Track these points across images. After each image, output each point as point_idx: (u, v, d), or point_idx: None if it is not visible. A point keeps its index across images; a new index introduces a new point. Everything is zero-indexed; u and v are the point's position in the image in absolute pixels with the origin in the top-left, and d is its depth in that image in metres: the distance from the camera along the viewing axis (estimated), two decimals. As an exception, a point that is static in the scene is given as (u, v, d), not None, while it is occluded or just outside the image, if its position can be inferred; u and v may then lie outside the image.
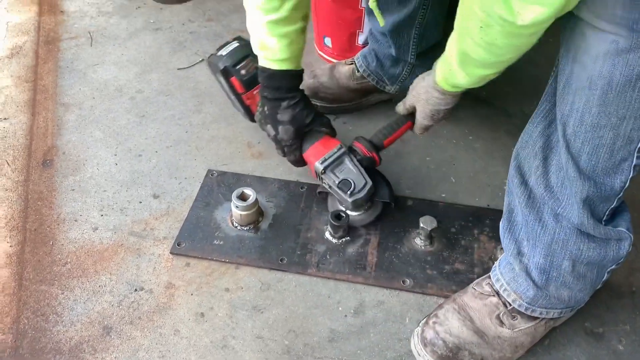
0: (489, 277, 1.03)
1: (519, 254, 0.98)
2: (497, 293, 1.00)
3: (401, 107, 1.16)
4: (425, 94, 1.07)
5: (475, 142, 1.43)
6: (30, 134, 1.42)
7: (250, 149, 1.40)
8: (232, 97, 1.31)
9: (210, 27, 1.80)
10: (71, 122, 1.46)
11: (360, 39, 1.55)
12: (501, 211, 1.04)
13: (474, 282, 1.04)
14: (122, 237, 1.20)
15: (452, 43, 0.91)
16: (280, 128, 1.18)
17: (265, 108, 1.18)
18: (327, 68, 1.50)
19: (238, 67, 1.26)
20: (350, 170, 1.17)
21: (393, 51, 1.36)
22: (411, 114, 1.16)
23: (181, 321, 1.07)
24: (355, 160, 1.18)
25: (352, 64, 1.47)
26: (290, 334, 1.05)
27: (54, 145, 1.39)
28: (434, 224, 1.15)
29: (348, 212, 1.20)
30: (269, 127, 1.19)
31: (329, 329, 1.06)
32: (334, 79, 1.47)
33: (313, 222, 1.23)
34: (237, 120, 1.44)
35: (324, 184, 1.20)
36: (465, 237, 1.21)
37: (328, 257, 1.16)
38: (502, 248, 1.13)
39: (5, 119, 1.45)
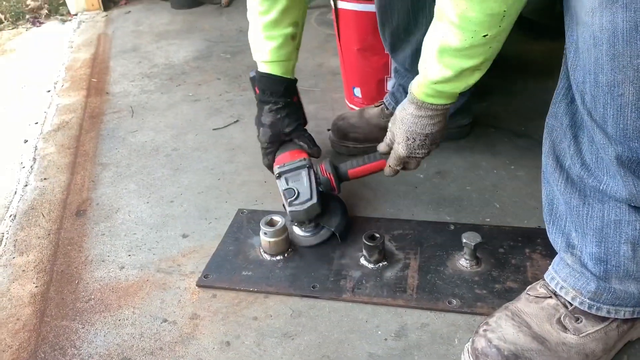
0: (543, 278, 0.91)
1: (569, 246, 0.87)
2: (554, 293, 0.87)
3: (382, 145, 1.13)
4: (400, 112, 1.03)
5: (517, 170, 1.35)
6: (67, 190, 1.44)
7: (282, 190, 1.36)
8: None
9: (246, 95, 1.86)
10: (107, 178, 1.48)
11: (389, 85, 1.56)
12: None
13: (528, 287, 0.92)
14: (148, 273, 1.14)
15: (428, 35, 0.90)
16: (260, 130, 1.26)
17: (257, 110, 1.27)
18: (356, 111, 1.51)
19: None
20: (302, 183, 1.15)
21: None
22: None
23: (205, 350, 0.97)
24: (311, 175, 1.16)
25: (381, 104, 1.46)
26: None
27: (88, 197, 1.40)
28: (478, 239, 1.05)
29: (294, 227, 1.17)
30: (256, 128, 1.28)
31: (367, 353, 0.94)
32: (364, 119, 1.46)
33: (347, 250, 1.15)
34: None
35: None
36: (516, 256, 1.09)
37: (364, 282, 1.07)
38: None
39: (45, 179, 1.49)
